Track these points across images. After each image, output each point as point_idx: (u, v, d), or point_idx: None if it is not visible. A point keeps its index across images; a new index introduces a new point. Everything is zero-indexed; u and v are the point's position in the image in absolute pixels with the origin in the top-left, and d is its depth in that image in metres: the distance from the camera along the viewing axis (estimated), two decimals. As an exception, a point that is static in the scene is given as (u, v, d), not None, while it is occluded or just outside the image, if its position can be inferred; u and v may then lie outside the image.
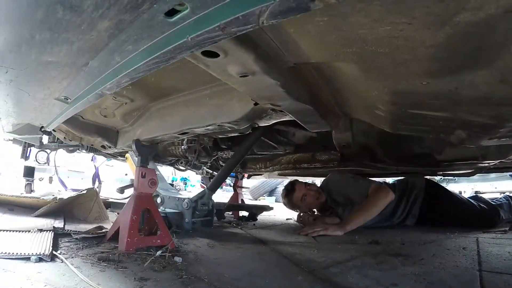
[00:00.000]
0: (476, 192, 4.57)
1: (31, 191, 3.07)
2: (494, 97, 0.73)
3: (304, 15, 0.45)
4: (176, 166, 2.26)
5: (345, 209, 2.03)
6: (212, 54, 0.64)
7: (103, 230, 1.37)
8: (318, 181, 2.37)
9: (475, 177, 2.39)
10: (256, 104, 0.97)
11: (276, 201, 5.90)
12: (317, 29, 0.59)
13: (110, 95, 1.14)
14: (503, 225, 1.93)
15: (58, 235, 1.27)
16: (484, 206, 2.02)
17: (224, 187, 6.07)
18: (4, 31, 0.72)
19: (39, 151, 2.63)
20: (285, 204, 2.27)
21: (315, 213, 2.22)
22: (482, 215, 1.97)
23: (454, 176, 2.85)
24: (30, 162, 2.86)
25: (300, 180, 2.27)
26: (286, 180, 2.85)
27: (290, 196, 2.16)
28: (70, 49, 0.70)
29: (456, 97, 0.75)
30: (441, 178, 4.61)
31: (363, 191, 1.92)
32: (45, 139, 2.01)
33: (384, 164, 1.79)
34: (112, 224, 1.36)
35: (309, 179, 2.80)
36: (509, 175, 4.48)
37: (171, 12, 0.48)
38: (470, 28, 0.51)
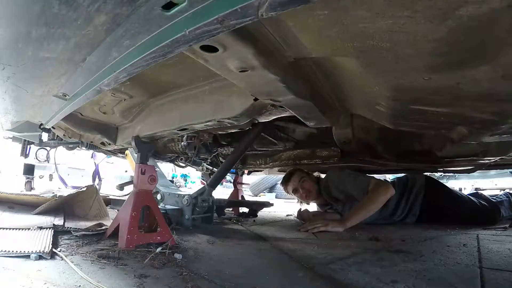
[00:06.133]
0: (476, 189, 4.57)
1: (31, 188, 3.07)
2: (496, 93, 0.72)
3: (304, 8, 0.44)
4: (176, 162, 2.26)
5: (345, 205, 2.03)
6: (211, 49, 0.63)
7: (103, 227, 1.36)
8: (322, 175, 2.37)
9: (475, 173, 2.38)
10: (256, 99, 0.96)
11: (276, 197, 5.92)
12: (317, 23, 0.58)
13: (108, 91, 1.13)
14: (503, 222, 1.93)
15: (58, 232, 1.26)
16: (485, 203, 2.01)
17: (224, 183, 6.08)
18: (0, 27, 0.71)
19: (39, 149, 2.63)
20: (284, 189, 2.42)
21: (312, 208, 2.25)
22: (483, 212, 1.97)
23: (454, 173, 2.83)
24: (30, 160, 2.86)
25: (300, 171, 2.27)
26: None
27: (285, 185, 2.32)
28: (67, 44, 0.69)
29: (458, 92, 0.74)
30: (441, 175, 4.61)
31: (363, 187, 1.91)
32: (45, 136, 2.00)
33: (384, 161, 1.78)
34: (112, 221, 1.35)
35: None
36: (510, 171, 4.48)
37: (169, 5, 0.47)
38: (472, 22, 0.50)
